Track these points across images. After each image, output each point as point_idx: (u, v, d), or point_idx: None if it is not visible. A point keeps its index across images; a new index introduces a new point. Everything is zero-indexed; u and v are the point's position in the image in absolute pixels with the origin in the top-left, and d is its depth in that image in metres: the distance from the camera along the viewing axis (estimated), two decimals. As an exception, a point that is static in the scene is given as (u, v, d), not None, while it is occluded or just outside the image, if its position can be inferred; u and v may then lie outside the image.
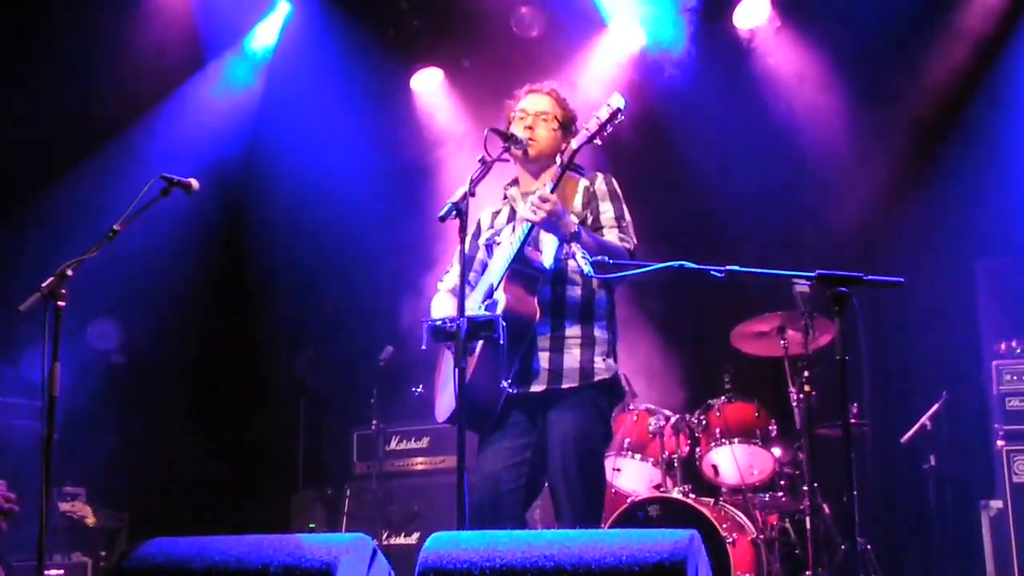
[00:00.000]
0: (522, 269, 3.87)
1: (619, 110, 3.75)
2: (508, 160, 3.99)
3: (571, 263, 3.93)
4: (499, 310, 3.77)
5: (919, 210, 6.70)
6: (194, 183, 3.84)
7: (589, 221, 4.03)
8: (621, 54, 7.23)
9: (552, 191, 3.79)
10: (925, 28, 6.64)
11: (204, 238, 7.25)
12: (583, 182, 4.09)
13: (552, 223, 3.76)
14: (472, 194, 3.63)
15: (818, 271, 3.37)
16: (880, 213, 6.81)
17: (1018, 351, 5.87)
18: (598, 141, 3.81)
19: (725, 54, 7.06)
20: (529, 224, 3.82)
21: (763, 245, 6.82)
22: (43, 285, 3.49)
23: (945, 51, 6.65)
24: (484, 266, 4.17)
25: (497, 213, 4.25)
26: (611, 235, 4.00)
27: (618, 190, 4.12)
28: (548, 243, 3.93)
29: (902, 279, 3.35)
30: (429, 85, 7.76)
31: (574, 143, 3.83)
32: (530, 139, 4.04)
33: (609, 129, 3.78)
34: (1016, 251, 6.27)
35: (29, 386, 5.72)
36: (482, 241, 4.21)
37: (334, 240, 7.62)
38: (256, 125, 7.44)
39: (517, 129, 4.05)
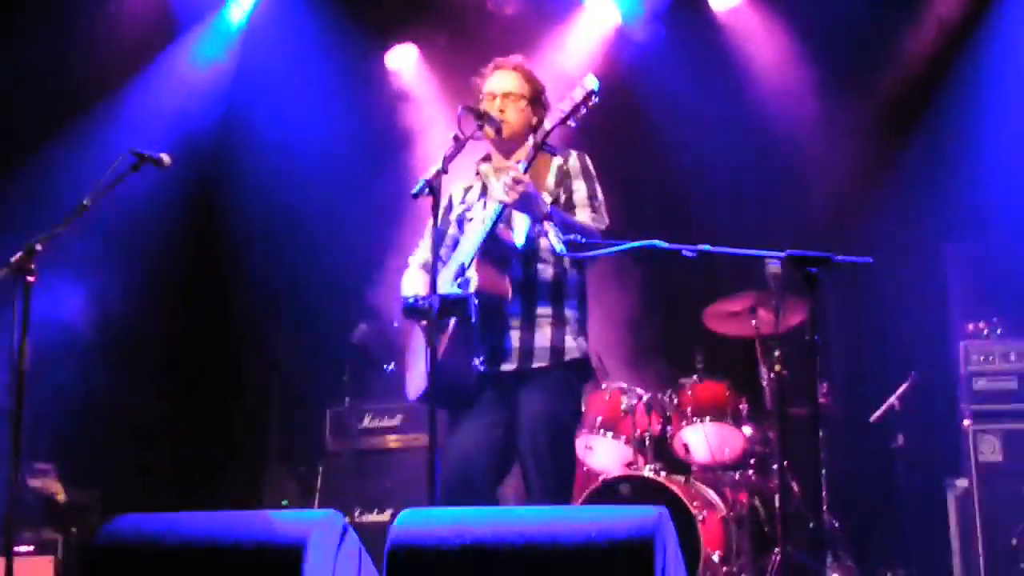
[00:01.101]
0: (494, 248, 3.88)
1: (593, 92, 3.77)
2: (482, 138, 3.99)
3: (543, 242, 3.94)
4: (471, 289, 3.78)
5: (890, 192, 6.74)
6: (166, 158, 3.83)
7: (562, 200, 4.03)
8: (596, 32, 7.22)
9: (525, 171, 3.80)
10: (897, 11, 6.67)
11: (176, 214, 7.20)
12: (556, 160, 4.09)
13: (525, 204, 3.76)
14: (445, 171, 3.64)
15: (788, 251, 3.40)
16: (851, 195, 6.85)
17: (986, 332, 5.94)
18: (572, 123, 3.82)
19: (700, 36, 7.06)
20: (502, 204, 3.82)
21: (735, 225, 6.84)
22: (12, 260, 3.48)
23: (916, 34, 6.69)
24: (455, 242, 4.17)
25: (469, 189, 4.24)
26: (584, 214, 4.01)
27: (592, 168, 4.12)
28: (520, 222, 3.94)
29: (871, 259, 3.39)
30: (404, 62, 7.72)
31: (547, 123, 3.84)
32: (503, 121, 4.04)
33: (583, 111, 3.80)
34: (985, 233, 6.32)
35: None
36: (453, 217, 4.21)
37: (308, 217, 7.58)
38: (229, 100, 7.37)
39: (492, 113, 4.04)
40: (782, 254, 3.41)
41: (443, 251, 4.18)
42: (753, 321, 5.86)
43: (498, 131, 4.03)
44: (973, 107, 6.43)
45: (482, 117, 3.93)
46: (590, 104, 3.79)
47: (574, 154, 4.13)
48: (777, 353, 5.60)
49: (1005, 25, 6.48)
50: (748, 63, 7.03)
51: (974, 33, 6.55)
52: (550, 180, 4.03)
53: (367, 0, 7.54)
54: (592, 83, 3.78)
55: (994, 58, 6.45)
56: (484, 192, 4.16)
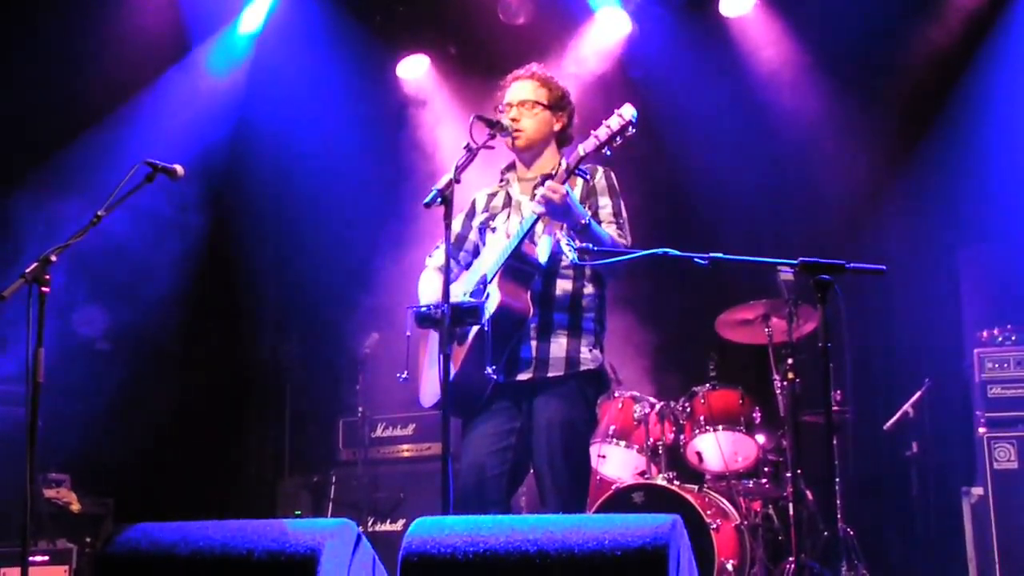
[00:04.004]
0: (518, 265, 3.87)
1: (631, 123, 3.74)
2: (493, 147, 3.98)
3: (563, 258, 3.94)
4: (493, 305, 3.79)
5: (902, 198, 6.74)
6: (179, 169, 3.85)
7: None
8: (607, 41, 7.23)
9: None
10: (908, 16, 6.66)
11: (190, 225, 7.23)
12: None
13: (563, 213, 3.76)
14: (457, 181, 3.64)
15: (801, 259, 3.39)
16: (864, 201, 6.84)
17: (1000, 339, 5.91)
18: (607, 152, 3.79)
19: (710, 42, 7.06)
20: (530, 219, 3.81)
21: (748, 233, 6.85)
22: (27, 270, 3.49)
23: (927, 40, 6.67)
24: (476, 248, 4.18)
25: (493, 195, 4.25)
26: (610, 230, 4.00)
27: (616, 185, 4.11)
28: (544, 240, 3.93)
29: (884, 267, 3.38)
30: (415, 71, 7.74)
31: (581, 149, 3.80)
32: (516, 130, 4.05)
33: (619, 140, 3.76)
34: (998, 239, 6.30)
35: (12, 372, 5.70)
36: (476, 223, 4.22)
37: (320, 227, 7.61)
38: (241, 112, 7.41)
39: (504, 122, 4.04)
40: (795, 262, 3.41)
41: (462, 255, 4.20)
42: (766, 329, 5.85)
43: (513, 141, 4.04)
44: (985, 112, 6.41)
45: (494, 126, 3.93)
46: (627, 135, 3.76)
47: (600, 171, 4.12)
48: (790, 361, 5.58)
49: (1016, 31, 6.47)
50: (759, 70, 7.03)
51: (985, 40, 6.54)
52: (575, 195, 4.02)
53: (379, 10, 7.57)
54: (630, 113, 3.75)
55: (1006, 64, 6.44)
56: (508, 200, 4.17)
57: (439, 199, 3.59)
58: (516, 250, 3.85)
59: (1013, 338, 5.89)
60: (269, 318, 8.04)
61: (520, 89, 4.12)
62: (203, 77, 7.25)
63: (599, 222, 4.00)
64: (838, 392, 5.81)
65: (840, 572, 5.38)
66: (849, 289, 3.42)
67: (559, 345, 3.96)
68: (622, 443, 5.93)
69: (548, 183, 3.76)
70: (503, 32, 7.29)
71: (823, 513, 5.72)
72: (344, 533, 2.89)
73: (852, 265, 3.37)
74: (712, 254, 3.47)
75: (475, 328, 3.80)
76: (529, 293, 3.88)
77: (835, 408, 5.67)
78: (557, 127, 4.13)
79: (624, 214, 4.08)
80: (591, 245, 3.73)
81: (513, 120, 4.05)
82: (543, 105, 4.10)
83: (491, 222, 4.14)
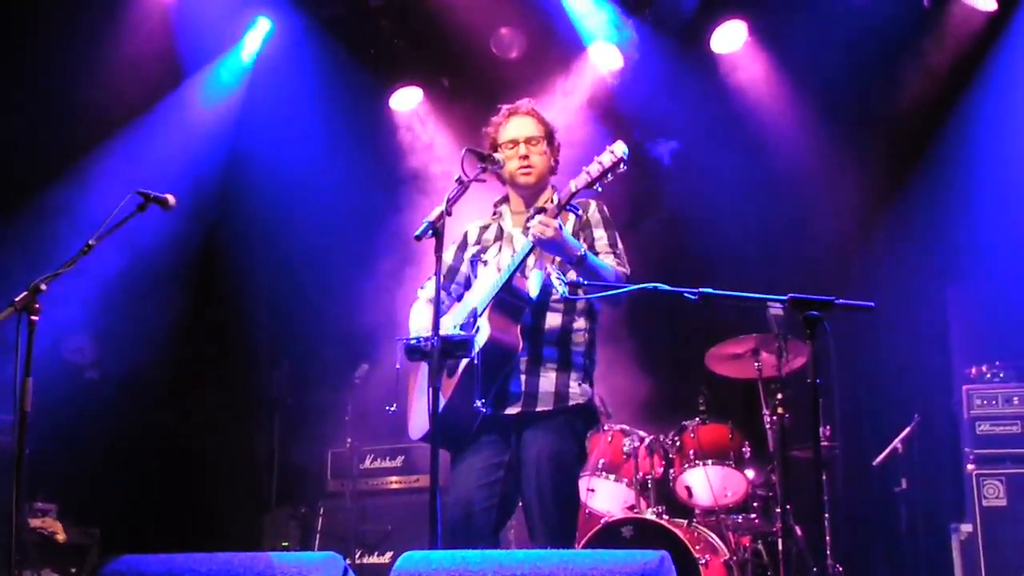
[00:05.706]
0: (508, 299, 3.87)
1: (623, 159, 3.76)
2: (485, 180, 4.00)
3: (554, 292, 3.95)
4: (483, 338, 3.79)
5: (892, 235, 6.77)
6: (170, 199, 3.86)
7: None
8: (598, 76, 7.28)
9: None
10: (898, 55, 6.73)
11: (181, 254, 7.23)
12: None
13: (557, 247, 3.77)
14: (448, 213, 3.65)
15: (790, 294, 3.40)
16: (853, 237, 6.88)
17: (988, 376, 5.93)
18: (598, 187, 3.81)
19: (702, 77, 7.12)
20: (522, 253, 3.82)
21: (738, 268, 6.87)
22: (17, 299, 3.49)
23: (917, 78, 6.74)
24: (468, 280, 4.18)
25: (486, 228, 4.26)
26: (608, 260, 4.01)
27: (609, 217, 4.13)
28: (535, 274, 3.94)
29: (873, 303, 3.40)
30: (408, 104, 7.78)
31: (573, 185, 3.82)
32: (528, 167, 4.07)
33: (610, 177, 3.77)
34: (987, 276, 6.33)
35: None
36: (467, 255, 4.22)
37: (311, 257, 7.61)
38: (234, 142, 7.43)
39: (512, 163, 4.07)
40: (784, 297, 3.42)
41: (453, 287, 4.20)
42: (755, 364, 5.86)
43: (525, 178, 4.05)
44: (973, 150, 6.47)
45: (485, 160, 3.95)
46: (618, 171, 3.78)
47: (593, 204, 4.14)
48: (779, 396, 5.58)
49: (1000, 72, 6.54)
50: (749, 107, 7.08)
51: (973, 78, 6.61)
52: (567, 229, 4.03)
53: (373, 42, 7.61)
54: (621, 150, 3.77)
55: (992, 103, 6.50)
56: (501, 233, 4.18)
57: (430, 231, 3.60)
58: (507, 283, 3.85)
59: (1001, 375, 5.91)
60: (260, 348, 8.02)
61: (524, 126, 4.14)
62: (197, 108, 7.28)
63: (596, 253, 4.00)
64: (827, 427, 5.82)
65: (829, 608, 5.36)
66: (838, 325, 3.44)
67: (548, 379, 3.95)
68: (611, 477, 5.92)
69: (539, 217, 3.77)
70: (496, 65, 7.34)
71: (812, 549, 5.69)
72: (331, 566, 2.88)
73: (841, 301, 3.38)
74: (702, 289, 3.48)
75: (464, 361, 3.80)
76: (519, 327, 3.88)
77: (824, 443, 5.70)
78: (553, 163, 4.17)
79: (620, 244, 4.10)
80: (583, 279, 3.73)
81: (523, 158, 4.07)
82: (545, 140, 4.14)
83: (482, 255, 4.15)
